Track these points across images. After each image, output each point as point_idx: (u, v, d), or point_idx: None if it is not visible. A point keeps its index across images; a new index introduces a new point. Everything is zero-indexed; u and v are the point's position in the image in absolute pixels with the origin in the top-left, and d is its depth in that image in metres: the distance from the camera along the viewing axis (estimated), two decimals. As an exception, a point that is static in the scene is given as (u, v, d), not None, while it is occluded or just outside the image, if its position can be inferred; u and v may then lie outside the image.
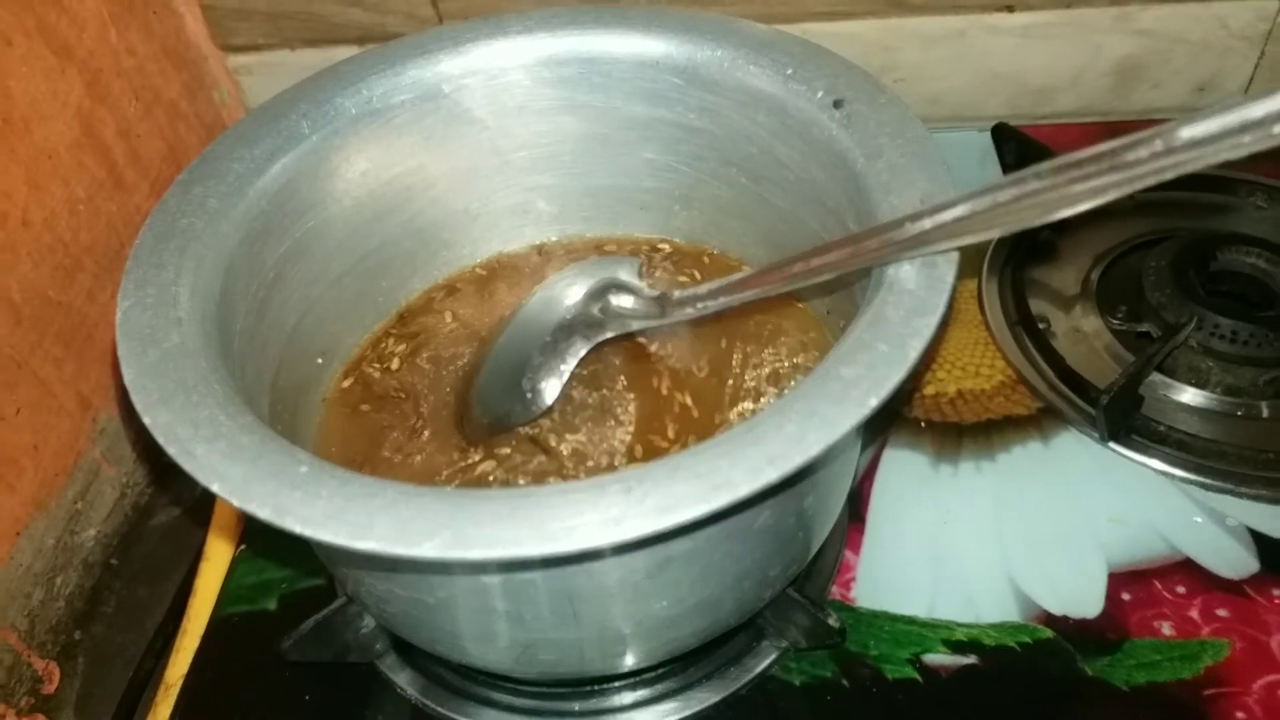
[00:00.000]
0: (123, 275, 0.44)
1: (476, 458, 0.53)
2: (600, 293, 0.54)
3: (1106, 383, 0.59)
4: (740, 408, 0.53)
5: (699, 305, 0.49)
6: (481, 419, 0.54)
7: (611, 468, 0.51)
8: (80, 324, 0.64)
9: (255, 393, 0.47)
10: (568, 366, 0.53)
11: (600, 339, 0.54)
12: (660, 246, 0.62)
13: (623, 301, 0.53)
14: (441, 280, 0.62)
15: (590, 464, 0.52)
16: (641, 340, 0.57)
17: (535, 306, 0.55)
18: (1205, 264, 0.65)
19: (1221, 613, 0.53)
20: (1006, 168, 0.76)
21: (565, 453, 0.52)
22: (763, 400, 0.54)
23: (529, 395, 0.53)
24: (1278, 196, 0.72)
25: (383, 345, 0.59)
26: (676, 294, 0.51)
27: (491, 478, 0.52)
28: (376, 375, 0.57)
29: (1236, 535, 0.56)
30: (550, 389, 0.53)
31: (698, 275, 0.60)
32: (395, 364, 0.58)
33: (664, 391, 0.54)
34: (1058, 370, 0.63)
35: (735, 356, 0.56)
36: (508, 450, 0.53)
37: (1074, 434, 0.61)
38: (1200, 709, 0.50)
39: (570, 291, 0.55)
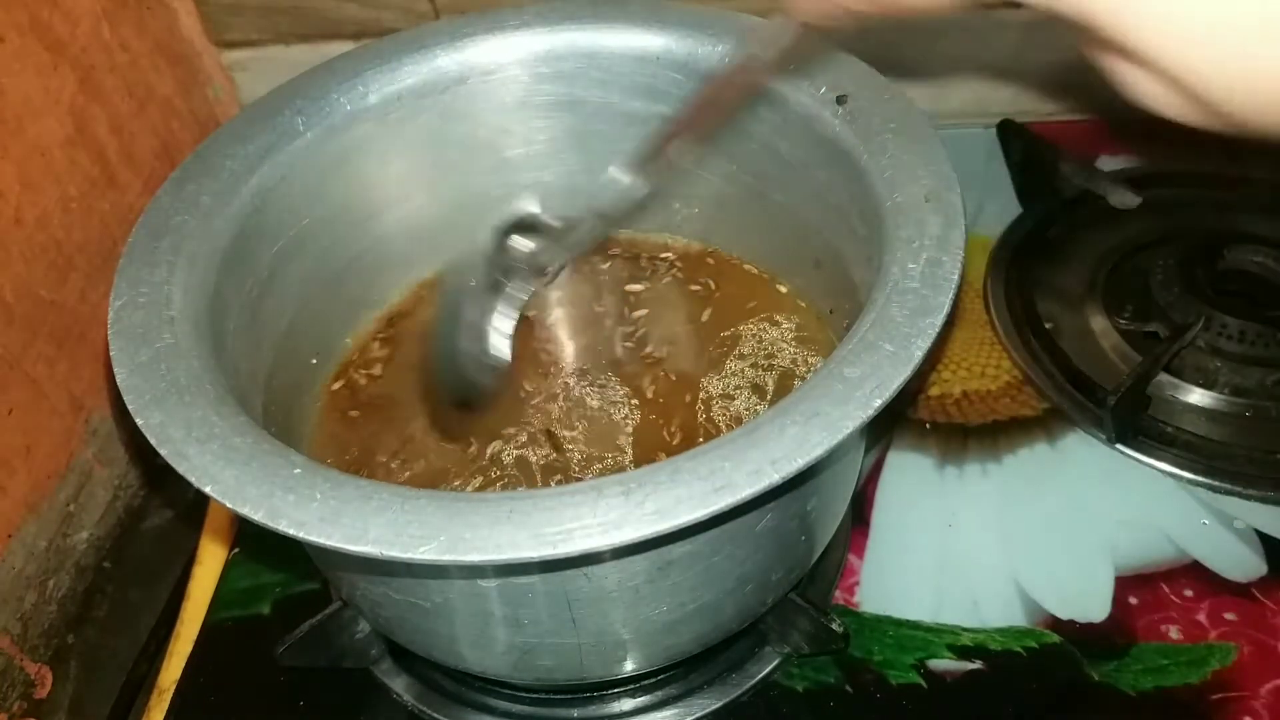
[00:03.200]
0: (115, 274, 0.44)
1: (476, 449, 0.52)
2: (506, 242, 0.50)
3: (1113, 383, 0.59)
4: (737, 409, 0.53)
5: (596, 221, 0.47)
6: (449, 406, 0.52)
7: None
8: (73, 323, 0.64)
9: (249, 393, 0.46)
10: (510, 321, 0.50)
11: (530, 282, 0.50)
12: (663, 256, 0.61)
13: (526, 243, 0.50)
14: (430, 278, 0.61)
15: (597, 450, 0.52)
16: (634, 341, 0.56)
17: (453, 279, 0.52)
18: (1213, 263, 0.64)
19: (1229, 616, 0.53)
20: (1012, 165, 0.75)
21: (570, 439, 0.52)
22: (763, 402, 0.53)
23: (484, 361, 0.50)
24: (1286, 195, 0.71)
25: (368, 349, 0.58)
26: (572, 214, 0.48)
27: (504, 455, 0.52)
28: (363, 382, 0.57)
29: (1244, 538, 0.55)
30: (502, 347, 0.50)
31: (711, 284, 0.60)
32: (379, 369, 0.57)
33: (653, 395, 0.54)
34: (1064, 371, 0.63)
35: (734, 355, 0.55)
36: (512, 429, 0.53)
37: (1081, 435, 0.60)
38: (1208, 714, 0.49)
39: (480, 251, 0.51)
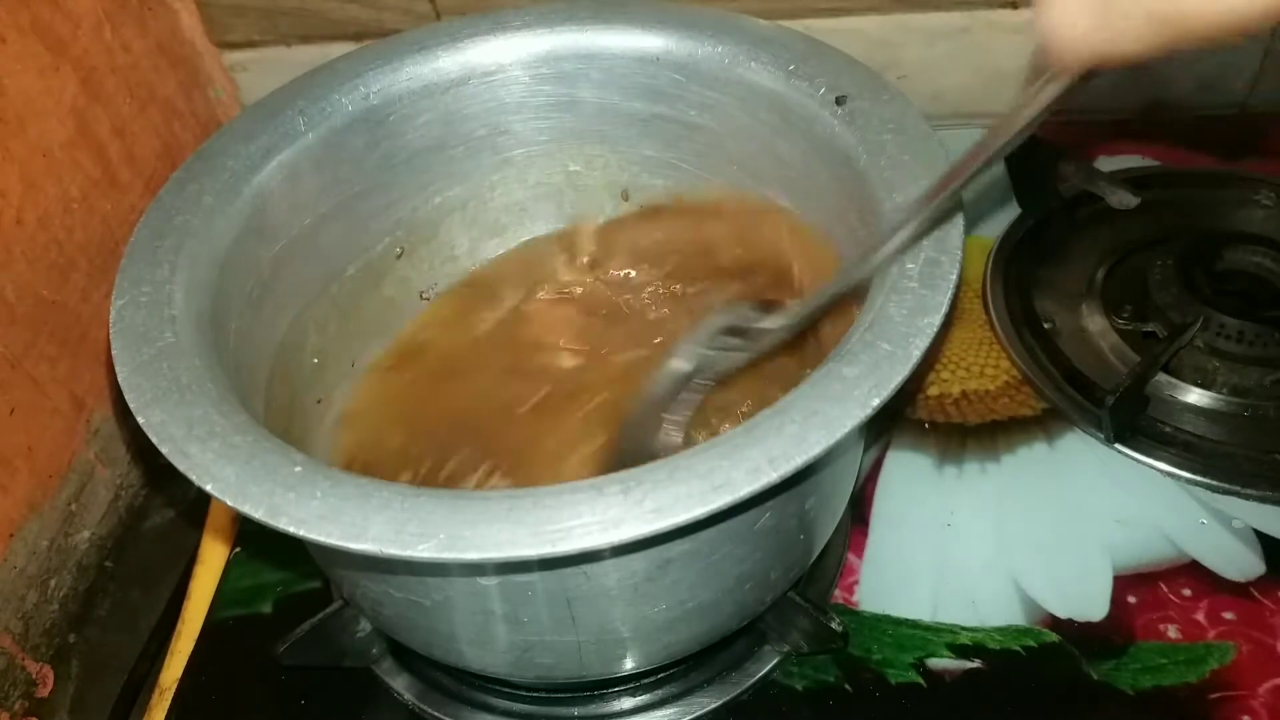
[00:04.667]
0: (117, 273, 0.44)
1: None
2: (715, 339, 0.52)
3: (1112, 383, 0.59)
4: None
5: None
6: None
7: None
8: (74, 324, 0.64)
9: (249, 393, 0.46)
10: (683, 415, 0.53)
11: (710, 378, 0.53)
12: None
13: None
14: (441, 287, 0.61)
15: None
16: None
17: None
18: (1211, 263, 0.64)
19: (1228, 615, 0.53)
20: (1011, 166, 0.75)
21: None
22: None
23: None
24: (1285, 195, 0.72)
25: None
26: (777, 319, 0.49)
27: None
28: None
29: (1243, 537, 0.55)
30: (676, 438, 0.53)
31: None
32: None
33: None
34: (1063, 371, 0.63)
35: None
36: None
37: (1079, 435, 0.60)
38: (1206, 713, 0.49)
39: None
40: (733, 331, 0.52)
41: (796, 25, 0.53)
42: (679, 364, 0.52)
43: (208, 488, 0.36)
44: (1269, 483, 0.56)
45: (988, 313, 0.67)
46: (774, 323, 0.50)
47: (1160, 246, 0.67)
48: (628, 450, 0.53)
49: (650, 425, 0.52)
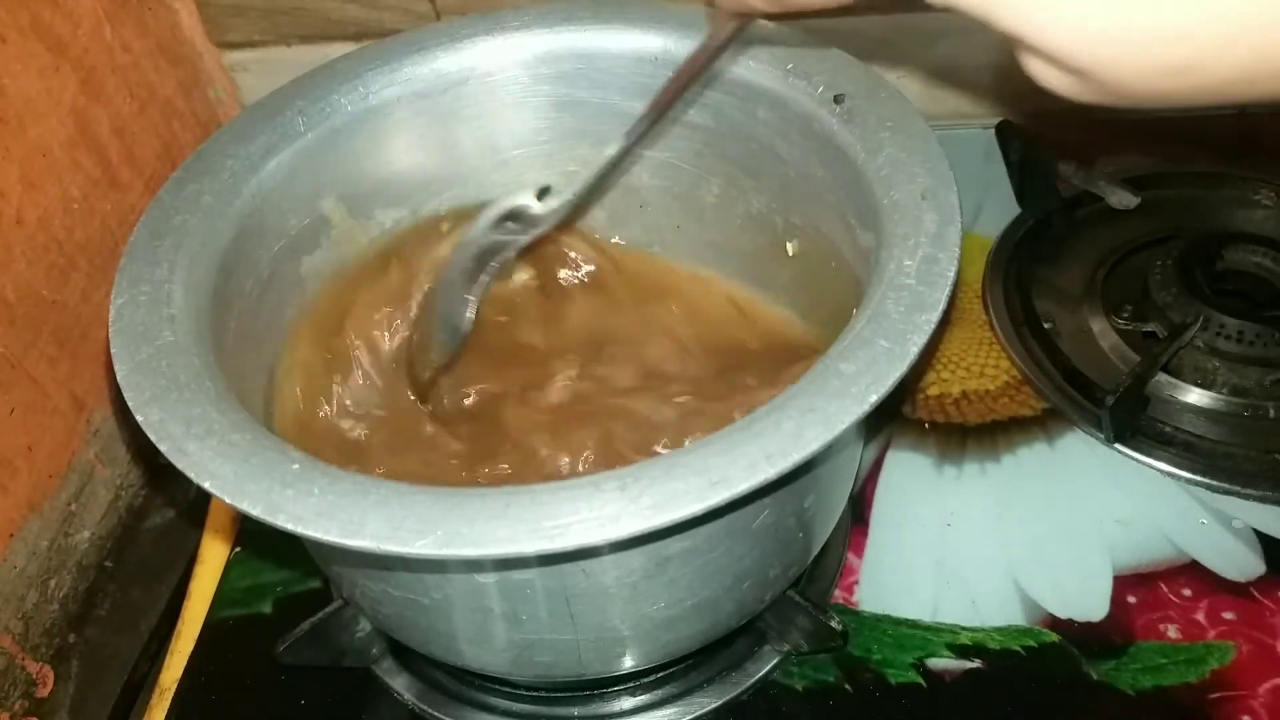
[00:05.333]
0: (117, 272, 0.44)
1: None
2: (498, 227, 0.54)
3: (1112, 383, 0.59)
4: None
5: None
6: (422, 373, 0.55)
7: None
8: (74, 323, 0.64)
9: (250, 392, 0.46)
10: (475, 295, 0.55)
11: (498, 261, 0.55)
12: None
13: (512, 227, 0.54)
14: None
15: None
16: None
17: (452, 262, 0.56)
18: (1211, 263, 0.65)
19: (1228, 615, 0.53)
20: (1010, 166, 0.75)
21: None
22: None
23: (451, 332, 0.55)
24: (1285, 195, 0.72)
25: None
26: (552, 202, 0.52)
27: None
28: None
29: (1243, 537, 0.55)
30: (467, 320, 0.55)
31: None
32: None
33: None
34: (1063, 371, 0.63)
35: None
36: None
37: (1079, 435, 0.60)
38: (1206, 713, 0.49)
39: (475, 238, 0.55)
40: (512, 217, 0.53)
41: (796, 24, 0.53)
42: (466, 250, 0.54)
43: (206, 485, 0.36)
44: (1269, 483, 0.57)
45: (987, 312, 0.67)
46: (548, 206, 0.52)
47: (1160, 246, 0.67)
48: (433, 326, 0.56)
49: (451, 304, 0.55)
